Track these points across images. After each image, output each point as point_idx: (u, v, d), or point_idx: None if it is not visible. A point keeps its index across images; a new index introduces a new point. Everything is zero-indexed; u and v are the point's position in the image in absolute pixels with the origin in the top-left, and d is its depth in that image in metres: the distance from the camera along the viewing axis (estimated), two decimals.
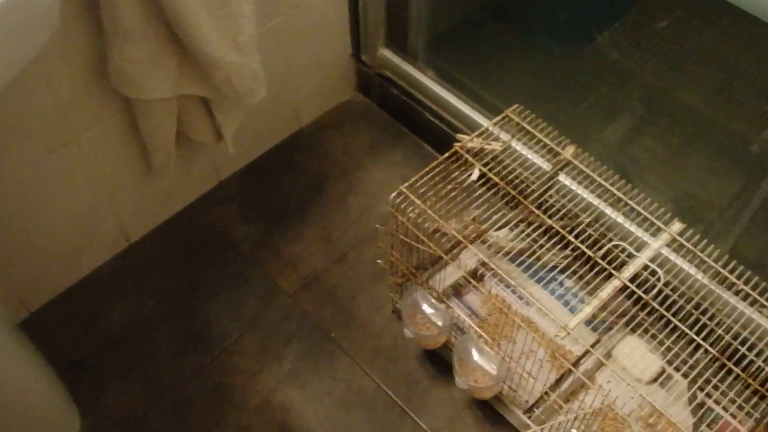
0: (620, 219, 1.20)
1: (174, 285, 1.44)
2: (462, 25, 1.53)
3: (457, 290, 1.40)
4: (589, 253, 1.12)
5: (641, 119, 1.37)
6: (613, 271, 1.10)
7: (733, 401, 1.16)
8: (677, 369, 1.30)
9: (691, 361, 1.14)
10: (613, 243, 1.13)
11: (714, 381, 1.17)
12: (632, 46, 1.33)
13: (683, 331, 1.08)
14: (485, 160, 1.23)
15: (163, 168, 1.36)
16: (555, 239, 1.19)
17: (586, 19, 1.38)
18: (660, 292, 1.09)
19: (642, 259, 1.12)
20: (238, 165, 1.59)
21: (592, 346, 1.32)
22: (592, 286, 1.13)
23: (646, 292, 1.09)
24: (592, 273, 1.12)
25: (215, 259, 1.47)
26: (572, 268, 1.31)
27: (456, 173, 1.24)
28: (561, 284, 1.41)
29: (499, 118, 1.24)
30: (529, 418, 1.25)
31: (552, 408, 1.26)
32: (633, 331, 1.34)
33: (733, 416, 1.27)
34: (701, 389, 1.26)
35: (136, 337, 1.38)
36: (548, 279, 1.40)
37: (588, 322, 1.36)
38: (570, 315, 1.33)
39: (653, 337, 1.29)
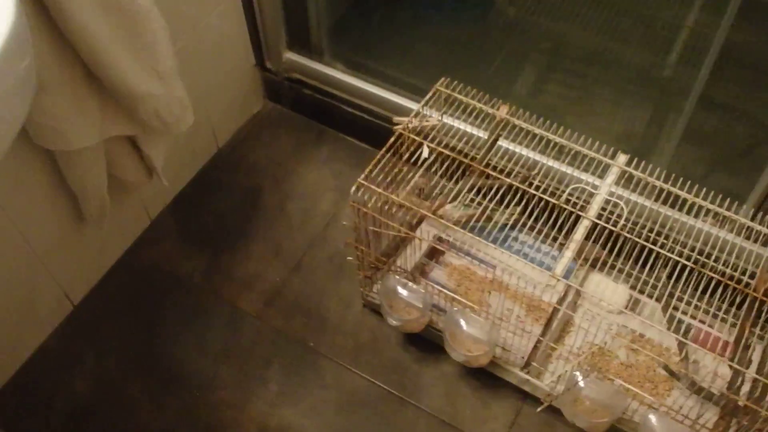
0: (567, 168, 1.23)
1: (132, 336, 1.38)
2: (360, 11, 1.52)
3: (421, 270, 1.40)
4: (553, 201, 1.14)
5: (555, 68, 1.42)
6: (580, 213, 1.13)
7: (706, 311, 1.21)
8: (644, 293, 1.36)
9: (656, 283, 1.19)
10: (572, 187, 1.16)
11: (685, 298, 1.23)
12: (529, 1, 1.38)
13: (646, 257, 1.13)
14: (429, 137, 1.23)
15: (98, 216, 1.30)
16: (505, 200, 1.21)
17: None
18: (625, 223, 1.13)
19: (601, 195, 1.16)
20: (166, 199, 1.53)
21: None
22: (555, 232, 1.16)
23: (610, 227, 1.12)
24: (551, 221, 1.15)
25: (168, 298, 1.42)
26: (528, 224, 1.33)
27: (402, 156, 1.25)
28: (516, 240, 1.44)
29: (430, 94, 1.25)
30: (527, 373, 1.27)
31: (546, 355, 1.29)
32: (593, 267, 1.39)
33: (708, 325, 1.33)
34: (675, 308, 1.31)
35: (108, 400, 1.31)
36: (503, 238, 1.42)
37: (543, 265, 1.40)
38: (533, 267, 1.36)
39: (614, 269, 1.34)
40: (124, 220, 1.44)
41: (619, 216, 1.14)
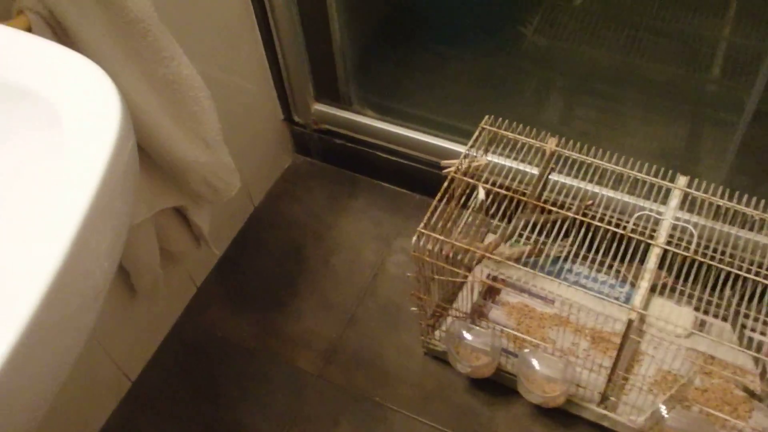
0: (624, 195, 1.22)
1: (193, 407, 1.35)
2: (385, 55, 1.51)
3: (479, 312, 1.38)
4: (620, 231, 1.13)
5: (590, 93, 1.41)
6: (650, 241, 1.12)
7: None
8: (715, 316, 1.34)
9: (720, 302, 1.17)
10: (637, 215, 1.14)
11: (751, 314, 1.21)
12: (558, 28, 1.36)
13: (709, 277, 1.11)
14: (482, 178, 1.22)
15: (151, 291, 1.27)
16: (561, 233, 1.20)
17: (506, 15, 1.40)
18: (697, 248, 1.12)
19: (668, 220, 1.14)
20: (210, 264, 1.51)
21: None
22: (610, 260, 1.14)
23: (677, 253, 1.11)
24: (606, 249, 1.14)
25: (225, 366, 1.39)
26: (581, 254, 1.32)
27: (455, 200, 1.23)
28: (570, 271, 1.42)
29: (476, 134, 1.24)
30: (605, 408, 1.25)
31: (619, 387, 1.26)
32: (653, 292, 1.37)
33: None
34: (744, 326, 1.30)
35: None
36: (557, 271, 1.41)
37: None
38: (594, 298, 1.34)
39: (675, 291, 1.32)
40: (171, 289, 1.41)
41: (689, 240, 1.12)
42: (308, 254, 1.53)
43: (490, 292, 1.40)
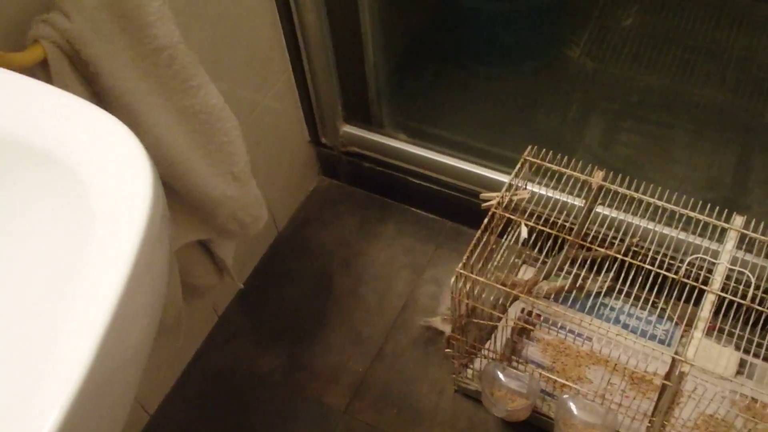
0: (674, 231, 1.16)
1: None
2: (418, 76, 1.45)
3: (512, 348, 1.32)
4: (672, 275, 1.07)
5: (646, 120, 1.34)
6: (704, 287, 1.06)
7: None
8: (756, 355, 1.28)
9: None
10: (690, 258, 1.08)
11: None
12: (605, 49, 1.30)
13: (757, 317, 1.05)
14: (525, 212, 1.16)
15: (175, 327, 1.22)
16: (603, 269, 1.14)
17: (549, 35, 1.34)
18: (755, 293, 1.05)
19: (723, 264, 1.08)
20: (232, 293, 1.46)
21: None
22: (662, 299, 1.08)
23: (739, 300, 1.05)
24: (644, 284, 1.08)
25: (250, 400, 1.34)
26: (618, 288, 1.26)
27: (495, 234, 1.17)
28: (607, 306, 1.36)
29: (518, 165, 1.18)
30: None
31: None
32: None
33: None
34: None
35: None
36: (595, 306, 1.35)
37: (646, 335, 1.32)
38: (632, 334, 1.29)
39: (716, 330, 1.26)
40: (193, 321, 1.37)
41: (744, 282, 1.06)
42: (336, 283, 1.47)
43: (525, 328, 1.34)
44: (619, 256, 1.10)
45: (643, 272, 1.10)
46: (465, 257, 1.09)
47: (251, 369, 1.37)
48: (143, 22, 0.89)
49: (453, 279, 1.08)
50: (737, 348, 1.28)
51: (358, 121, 1.48)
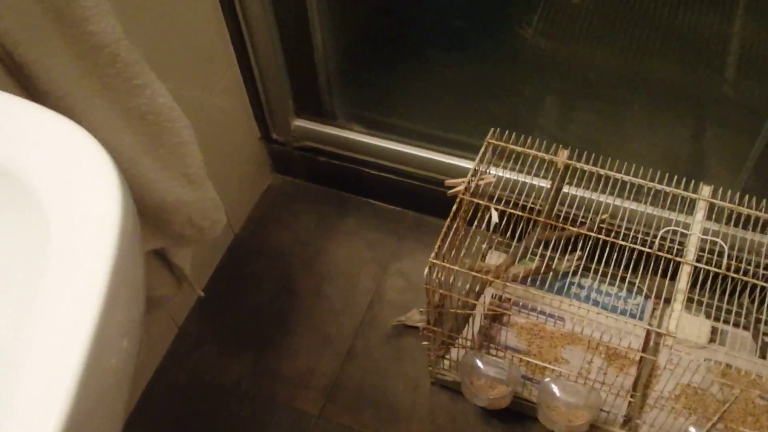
0: (642, 206, 1.13)
1: None
2: (372, 64, 1.40)
3: (486, 335, 1.29)
4: (647, 250, 1.04)
5: (605, 99, 1.31)
6: (679, 259, 1.03)
7: None
8: (726, 322, 1.27)
9: (739, 310, 1.11)
10: (663, 231, 1.06)
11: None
12: (559, 29, 1.27)
13: (725, 285, 1.04)
14: (494, 200, 1.12)
15: None
16: (578, 248, 1.12)
17: (500, 15, 1.30)
18: (729, 262, 1.04)
19: (696, 235, 1.06)
20: (191, 302, 1.39)
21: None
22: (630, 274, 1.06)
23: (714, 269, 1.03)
24: (615, 261, 1.06)
25: (218, 413, 1.28)
26: (599, 267, 1.24)
27: (462, 221, 1.13)
28: (577, 285, 1.34)
29: (482, 149, 1.14)
30: (629, 430, 1.17)
31: (639, 406, 1.19)
32: (666, 303, 1.29)
33: None
34: (764, 334, 1.23)
35: None
36: (564, 286, 1.32)
37: (617, 311, 1.30)
38: (605, 311, 1.27)
39: (694, 302, 1.24)
40: (150, 333, 1.30)
41: (718, 252, 1.04)
42: (298, 284, 1.42)
43: (498, 315, 1.31)
44: (592, 234, 1.07)
45: (614, 249, 1.07)
46: (436, 246, 1.05)
47: (217, 380, 1.31)
48: (79, 17, 0.82)
49: (426, 270, 1.04)
50: (707, 316, 1.27)
51: (309, 114, 1.43)
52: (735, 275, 1.01)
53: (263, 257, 1.46)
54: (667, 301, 1.28)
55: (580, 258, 1.30)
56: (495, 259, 1.35)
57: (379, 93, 1.42)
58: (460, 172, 1.27)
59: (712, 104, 1.23)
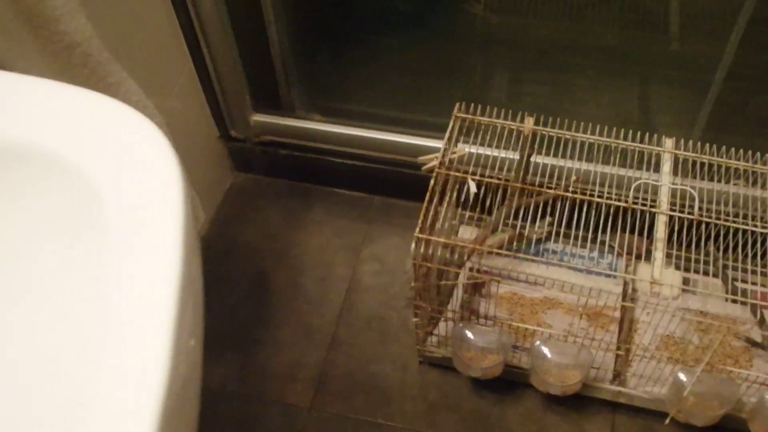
0: (608, 168, 1.16)
1: None
2: (328, 52, 1.40)
3: (469, 309, 1.30)
4: (623, 204, 1.07)
5: (561, 67, 1.34)
6: (654, 209, 1.07)
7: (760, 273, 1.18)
8: (696, 271, 1.31)
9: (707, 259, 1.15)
10: (636, 184, 1.09)
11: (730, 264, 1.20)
12: (506, 2, 1.29)
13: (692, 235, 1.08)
14: (463, 170, 1.14)
15: None
16: (548, 213, 1.14)
17: None
18: (700, 210, 1.07)
19: (667, 185, 1.09)
20: None
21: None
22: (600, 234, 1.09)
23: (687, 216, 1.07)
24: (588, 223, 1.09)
25: (206, 418, 1.26)
26: (570, 231, 1.27)
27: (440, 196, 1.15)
28: (550, 250, 1.37)
29: (451, 123, 1.15)
30: (618, 384, 1.20)
31: (624, 360, 1.22)
32: (638, 259, 1.33)
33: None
34: (732, 279, 1.27)
35: None
36: (538, 253, 1.35)
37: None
38: (579, 274, 1.29)
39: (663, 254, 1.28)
40: None
41: (688, 203, 1.08)
42: (273, 279, 1.41)
43: (476, 287, 1.33)
44: (569, 194, 1.10)
45: (585, 211, 1.10)
46: (420, 221, 1.06)
47: (202, 384, 1.29)
48: (49, 17, 0.81)
49: (413, 245, 1.05)
50: (677, 268, 1.31)
51: (268, 108, 1.42)
52: (708, 220, 1.05)
53: (234, 256, 1.44)
54: (638, 257, 1.32)
55: (550, 224, 1.33)
56: (468, 233, 1.36)
57: (337, 81, 1.42)
58: (424, 152, 1.27)
59: (661, 63, 1.27)
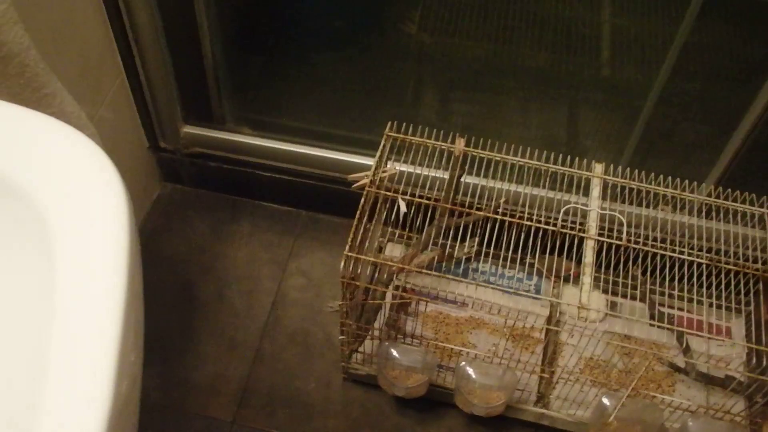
0: (537, 191, 1.18)
1: None
2: (260, 67, 1.40)
3: (394, 327, 1.32)
4: (551, 228, 1.10)
5: (494, 89, 1.36)
6: (583, 234, 1.10)
7: (684, 299, 1.22)
8: (623, 295, 1.35)
9: (631, 282, 1.19)
10: (565, 209, 1.12)
11: (657, 289, 1.24)
12: (440, 23, 1.32)
13: (618, 259, 1.12)
14: (393, 189, 1.15)
15: None
16: (476, 234, 1.16)
17: (382, 12, 1.33)
18: (629, 236, 1.11)
19: (595, 210, 1.13)
20: None
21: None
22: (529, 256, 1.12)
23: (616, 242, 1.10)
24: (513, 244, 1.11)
25: None
26: (498, 251, 1.29)
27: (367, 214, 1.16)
28: (476, 270, 1.39)
29: (383, 142, 1.17)
30: (542, 407, 1.23)
31: (547, 382, 1.25)
32: (566, 282, 1.36)
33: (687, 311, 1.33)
34: (654, 303, 1.31)
35: None
36: (463, 272, 1.37)
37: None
38: (506, 295, 1.32)
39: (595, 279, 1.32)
40: None
41: (617, 228, 1.11)
42: (198, 291, 1.40)
43: (401, 306, 1.34)
44: (498, 216, 1.12)
45: (512, 232, 1.12)
46: (350, 239, 1.07)
47: None
48: None
49: (342, 263, 1.05)
50: (603, 291, 1.34)
51: (198, 120, 1.40)
52: (636, 246, 1.09)
53: (159, 268, 1.42)
54: (563, 278, 1.36)
55: (478, 244, 1.35)
56: (396, 251, 1.38)
57: (269, 95, 1.42)
58: (354, 169, 1.29)
59: (593, 87, 1.31)
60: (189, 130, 1.41)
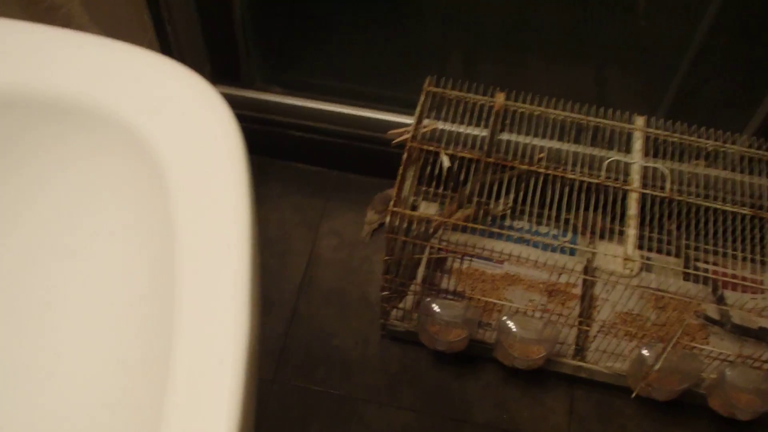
0: (577, 148, 1.18)
1: None
2: (289, 24, 1.39)
3: (433, 285, 1.31)
4: (596, 181, 1.10)
5: (529, 44, 1.35)
6: (627, 187, 1.10)
7: (720, 253, 1.22)
8: (651, 249, 1.35)
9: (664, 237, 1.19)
10: (608, 161, 1.12)
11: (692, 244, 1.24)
12: None
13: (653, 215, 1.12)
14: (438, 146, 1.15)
15: None
16: (508, 190, 1.16)
17: None
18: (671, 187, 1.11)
19: (638, 163, 1.12)
20: None
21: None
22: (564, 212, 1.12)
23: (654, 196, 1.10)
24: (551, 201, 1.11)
25: None
26: (533, 209, 1.28)
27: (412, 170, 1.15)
28: (510, 227, 1.39)
29: (422, 97, 1.16)
30: (580, 360, 1.24)
31: (585, 336, 1.25)
32: (595, 236, 1.36)
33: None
34: (690, 258, 1.31)
35: None
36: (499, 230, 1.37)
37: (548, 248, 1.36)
38: (540, 251, 1.32)
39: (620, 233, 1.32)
40: None
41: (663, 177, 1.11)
42: None
43: (438, 263, 1.34)
44: (543, 170, 1.12)
45: (549, 188, 1.12)
46: (395, 195, 1.07)
47: None
48: None
49: (388, 218, 1.05)
50: (639, 247, 1.34)
51: (227, 79, 1.39)
52: (680, 198, 1.08)
53: None
54: (598, 234, 1.35)
55: (514, 201, 1.34)
56: (430, 209, 1.37)
57: (298, 54, 1.41)
58: (384, 126, 1.28)
59: (629, 43, 1.30)
60: (218, 89, 1.39)
